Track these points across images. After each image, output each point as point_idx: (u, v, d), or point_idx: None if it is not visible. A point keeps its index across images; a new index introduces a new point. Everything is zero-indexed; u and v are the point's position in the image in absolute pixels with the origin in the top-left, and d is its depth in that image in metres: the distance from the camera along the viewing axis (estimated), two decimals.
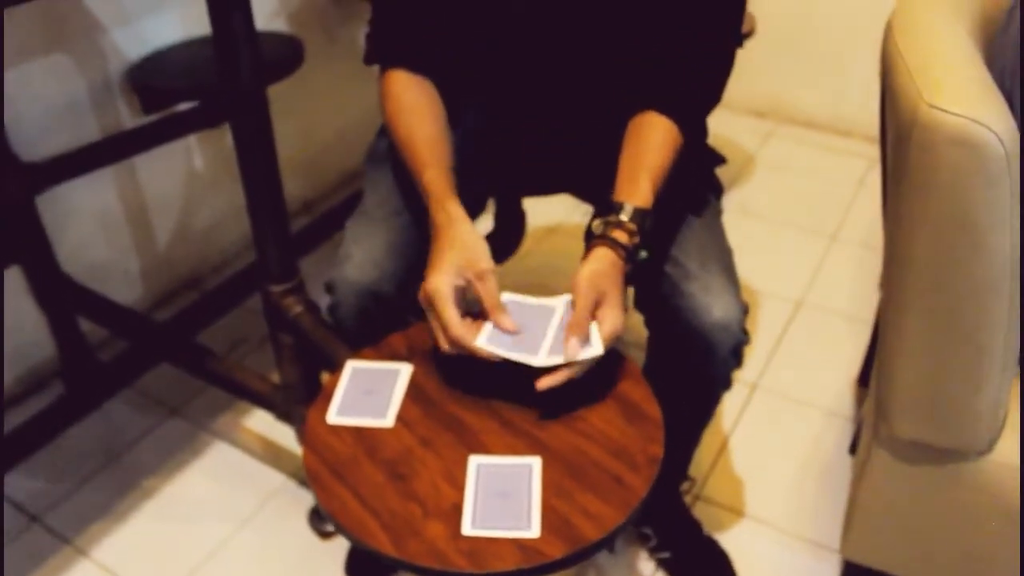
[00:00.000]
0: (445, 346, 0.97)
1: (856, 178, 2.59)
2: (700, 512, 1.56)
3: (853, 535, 1.21)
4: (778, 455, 1.69)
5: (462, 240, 0.99)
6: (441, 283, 0.96)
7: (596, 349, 0.95)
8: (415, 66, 1.17)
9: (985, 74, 0.89)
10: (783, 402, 1.81)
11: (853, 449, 1.68)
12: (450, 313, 0.95)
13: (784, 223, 2.39)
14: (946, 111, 0.81)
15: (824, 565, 1.47)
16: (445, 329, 0.95)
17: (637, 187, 1.03)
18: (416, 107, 1.15)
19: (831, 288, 2.14)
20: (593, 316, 0.97)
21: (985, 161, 0.81)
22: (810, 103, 2.84)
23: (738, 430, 1.74)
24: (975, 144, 0.81)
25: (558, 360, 0.94)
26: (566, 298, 1.01)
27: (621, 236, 1.00)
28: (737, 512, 1.57)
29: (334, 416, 0.98)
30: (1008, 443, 1.04)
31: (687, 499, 1.58)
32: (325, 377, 1.45)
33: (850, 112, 2.78)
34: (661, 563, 1.47)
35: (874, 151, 2.70)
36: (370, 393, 1.00)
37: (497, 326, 0.97)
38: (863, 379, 1.83)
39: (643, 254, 1.02)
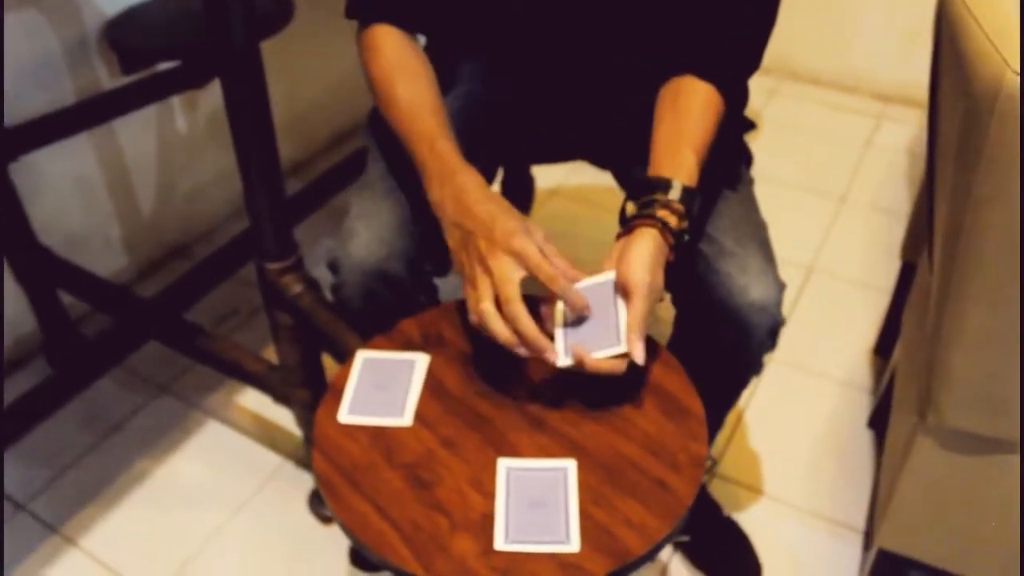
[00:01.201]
0: (510, 339, 0.85)
1: (864, 137, 2.52)
2: (717, 490, 1.50)
3: (890, 524, 1.15)
4: (794, 429, 1.63)
5: (511, 209, 0.90)
6: (530, 243, 0.86)
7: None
8: (405, 21, 1.06)
9: None
10: (798, 373, 1.75)
11: (872, 423, 1.62)
12: (556, 273, 0.86)
13: (791, 184, 2.31)
14: None
15: (846, 544, 1.42)
16: (566, 292, 0.86)
17: (682, 162, 0.94)
18: (413, 68, 1.04)
19: (842, 253, 2.07)
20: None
21: None
22: (815, 59, 2.74)
23: (753, 404, 1.68)
24: None
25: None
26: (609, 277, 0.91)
27: (670, 218, 0.90)
28: (755, 490, 1.52)
29: (346, 415, 0.90)
30: None
31: (705, 478, 1.52)
32: (326, 359, 1.38)
33: (856, 67, 2.69)
34: (679, 546, 1.42)
35: (881, 108, 2.63)
36: (384, 388, 0.92)
37: (567, 303, 0.87)
38: (880, 349, 1.77)
39: (686, 238, 0.93)
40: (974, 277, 0.86)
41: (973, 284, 0.87)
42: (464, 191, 0.92)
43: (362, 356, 0.97)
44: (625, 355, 0.85)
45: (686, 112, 0.98)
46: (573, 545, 0.76)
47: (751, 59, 1.03)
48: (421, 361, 0.96)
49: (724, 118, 1.00)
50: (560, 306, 0.89)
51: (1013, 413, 0.95)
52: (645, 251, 0.88)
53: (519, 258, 0.85)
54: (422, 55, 1.06)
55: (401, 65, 1.04)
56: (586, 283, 0.90)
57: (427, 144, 0.97)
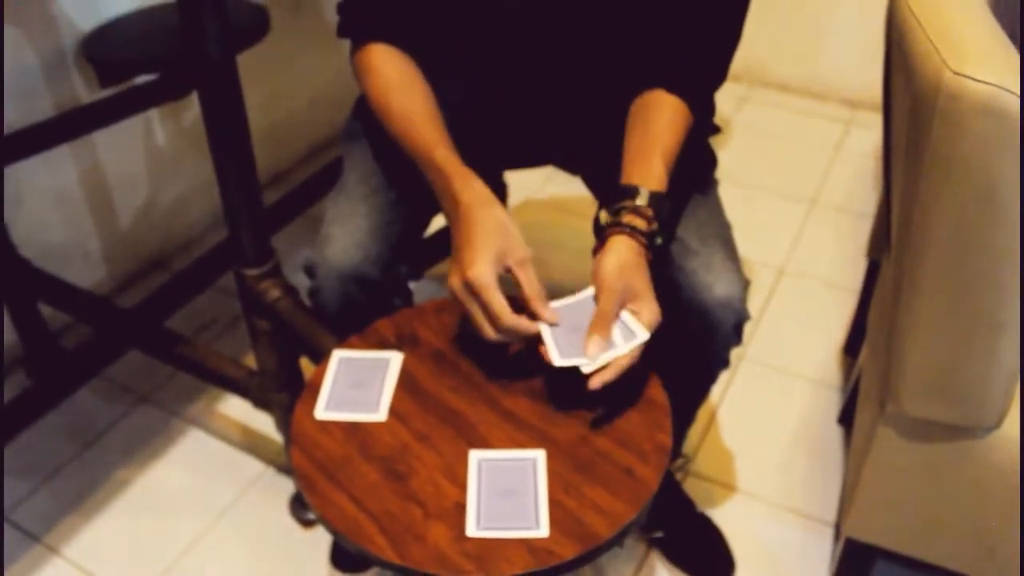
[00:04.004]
0: (492, 335, 0.90)
1: (833, 142, 2.57)
2: (691, 488, 1.53)
3: (856, 513, 1.18)
4: (767, 427, 1.67)
5: (498, 223, 0.93)
6: (484, 271, 0.89)
7: (641, 335, 0.90)
8: (396, 39, 1.09)
9: (1007, 40, 0.85)
10: (769, 372, 1.78)
11: (842, 419, 1.66)
12: (499, 301, 0.89)
13: (762, 188, 2.36)
14: (974, 79, 0.77)
15: (817, 538, 1.45)
16: (496, 318, 0.89)
17: (650, 169, 0.97)
18: (407, 82, 1.07)
19: (812, 255, 2.12)
20: (628, 311, 0.92)
21: (1015, 131, 0.77)
22: (785, 67, 2.80)
23: (726, 403, 1.71)
24: (1004, 113, 0.76)
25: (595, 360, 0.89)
26: (589, 292, 0.95)
27: (639, 223, 0.94)
28: (728, 487, 1.55)
29: (322, 411, 0.93)
30: (1016, 418, 1.02)
31: (679, 476, 1.55)
32: (304, 363, 1.40)
33: (825, 75, 2.75)
34: (654, 543, 1.44)
35: (850, 114, 2.69)
36: (359, 385, 0.95)
37: (538, 317, 0.91)
38: (849, 347, 1.81)
39: (659, 240, 0.97)
40: (923, 268, 0.90)
41: (923, 275, 0.91)
42: (457, 203, 0.96)
43: (338, 355, 0.99)
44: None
45: (655, 123, 1.02)
46: (543, 530, 0.79)
47: (718, 73, 1.07)
48: (395, 359, 0.98)
49: (692, 128, 1.04)
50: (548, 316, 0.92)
51: (967, 401, 0.98)
52: (615, 258, 0.92)
53: (473, 291, 0.89)
54: (416, 69, 1.09)
55: (397, 82, 1.07)
56: (568, 301, 0.94)
57: (426, 156, 1.01)
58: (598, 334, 0.89)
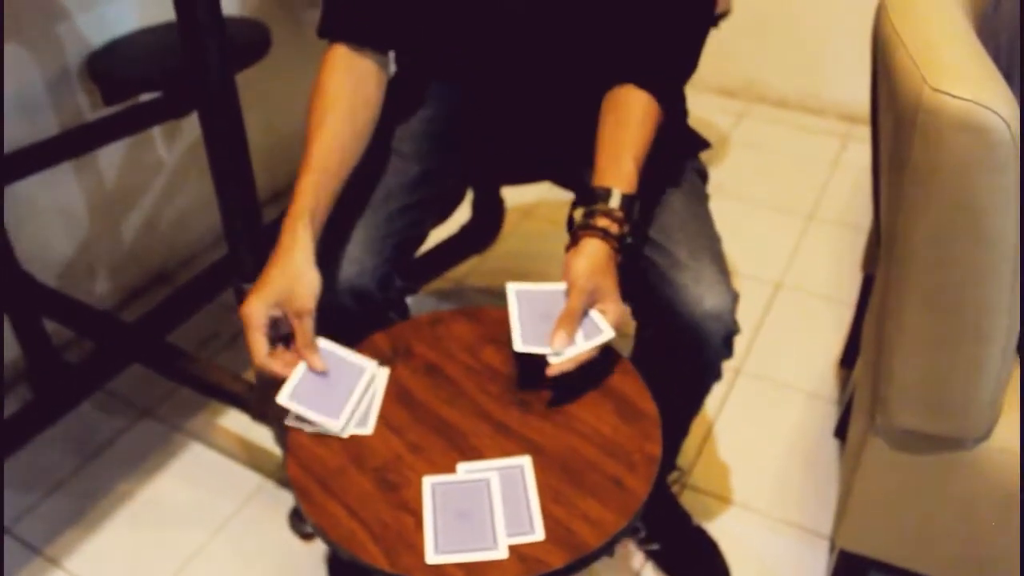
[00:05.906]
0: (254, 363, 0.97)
1: (830, 157, 2.59)
2: (688, 501, 1.54)
3: (849, 524, 1.19)
4: (763, 440, 1.68)
5: (295, 270, 0.97)
6: (258, 309, 0.95)
7: (607, 333, 0.94)
8: (368, 41, 1.09)
9: (987, 57, 0.87)
10: (766, 386, 1.80)
11: (838, 432, 1.67)
12: (257, 342, 0.95)
13: (760, 203, 2.37)
14: (951, 95, 0.79)
15: (813, 551, 1.46)
16: (251, 356, 0.95)
17: (621, 170, 1.01)
18: (337, 100, 1.07)
19: (809, 268, 2.13)
20: (597, 310, 0.96)
21: (991, 146, 0.79)
22: (782, 82, 2.82)
23: (722, 416, 1.72)
24: (981, 128, 0.78)
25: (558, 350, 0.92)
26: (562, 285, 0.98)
27: (611, 225, 0.97)
28: (725, 500, 1.56)
29: None
30: (1006, 429, 1.03)
31: (675, 489, 1.56)
32: None
33: (822, 91, 2.77)
34: (650, 555, 1.45)
35: (847, 129, 2.71)
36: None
37: (309, 366, 0.97)
38: (845, 361, 1.83)
39: (628, 240, 1.00)
40: (908, 280, 0.92)
41: (907, 287, 0.92)
42: (281, 233, 1.00)
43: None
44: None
45: (626, 123, 1.05)
46: (533, 537, 0.81)
47: (684, 66, 1.10)
48: (381, 374, 1.00)
49: (662, 122, 1.07)
50: (513, 306, 0.97)
51: (954, 412, 0.99)
52: (587, 259, 0.96)
53: (243, 323, 0.96)
54: (365, 89, 1.09)
55: (331, 99, 1.07)
56: (540, 287, 0.98)
57: (298, 172, 1.03)
58: (564, 329, 0.92)
